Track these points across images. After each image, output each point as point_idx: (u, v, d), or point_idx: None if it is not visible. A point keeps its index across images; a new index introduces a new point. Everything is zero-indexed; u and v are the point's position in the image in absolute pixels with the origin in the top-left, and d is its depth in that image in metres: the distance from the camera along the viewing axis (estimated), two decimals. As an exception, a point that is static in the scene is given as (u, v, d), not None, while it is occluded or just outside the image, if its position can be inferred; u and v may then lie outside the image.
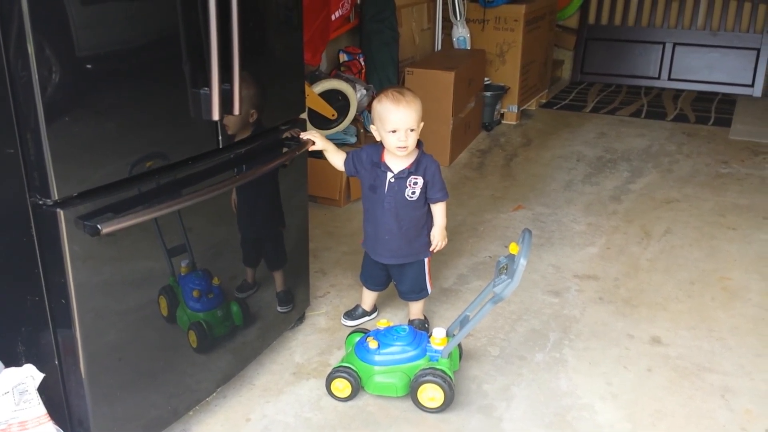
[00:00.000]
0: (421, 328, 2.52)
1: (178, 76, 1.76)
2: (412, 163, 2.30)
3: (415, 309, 2.56)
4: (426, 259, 2.46)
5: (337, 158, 2.39)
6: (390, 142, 2.25)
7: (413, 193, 2.31)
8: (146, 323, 1.85)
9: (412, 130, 2.23)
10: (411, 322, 2.55)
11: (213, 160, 1.93)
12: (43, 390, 1.69)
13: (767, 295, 2.81)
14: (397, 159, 2.30)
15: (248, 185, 2.08)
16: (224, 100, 1.83)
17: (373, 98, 2.50)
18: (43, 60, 1.42)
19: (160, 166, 1.77)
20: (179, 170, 1.82)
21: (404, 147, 2.24)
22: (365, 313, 2.63)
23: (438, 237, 2.41)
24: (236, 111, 1.88)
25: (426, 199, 2.35)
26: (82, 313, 1.64)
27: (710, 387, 2.27)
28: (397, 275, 2.49)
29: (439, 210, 2.39)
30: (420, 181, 2.31)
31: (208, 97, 1.79)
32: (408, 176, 2.30)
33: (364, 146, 2.39)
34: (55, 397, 1.72)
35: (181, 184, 1.82)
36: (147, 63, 1.68)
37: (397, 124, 2.21)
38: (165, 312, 1.90)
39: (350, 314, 2.63)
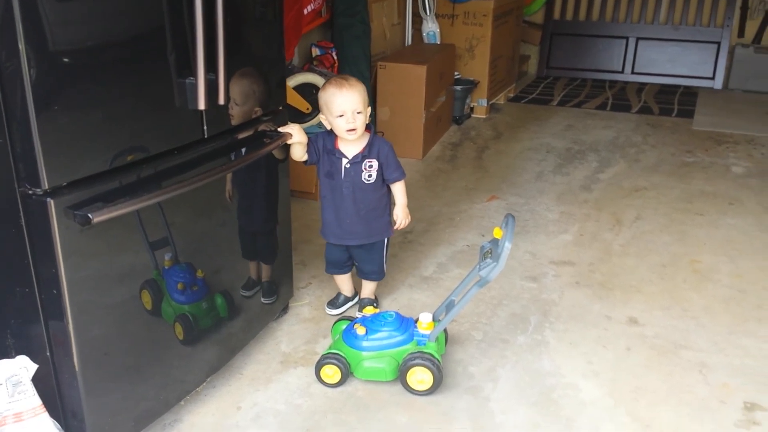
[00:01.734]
0: (369, 305, 2.59)
1: (164, 66, 1.76)
2: (365, 147, 2.37)
3: (368, 288, 2.63)
4: (386, 239, 2.53)
5: (300, 151, 2.35)
6: (339, 126, 2.30)
7: (370, 176, 2.38)
8: (133, 316, 1.85)
9: (359, 113, 2.29)
10: (361, 301, 2.62)
11: (198, 150, 1.93)
12: (34, 382, 1.68)
13: (736, 276, 2.91)
14: (350, 144, 2.35)
15: (233, 176, 2.09)
16: (209, 90, 1.84)
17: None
18: (32, 50, 1.42)
19: (147, 155, 1.77)
20: (166, 160, 1.82)
21: (353, 129, 2.29)
22: (347, 299, 2.66)
23: (401, 215, 2.47)
24: (221, 100, 1.89)
25: (383, 180, 2.41)
26: (74, 304, 1.63)
27: (687, 363, 2.34)
28: (359, 256, 2.54)
29: (398, 189, 2.45)
30: (375, 163, 2.38)
31: (194, 87, 1.80)
32: (362, 160, 2.37)
33: (318, 134, 2.41)
34: (47, 388, 1.71)
35: (168, 173, 1.82)
36: (134, 53, 1.68)
37: (343, 106, 2.27)
38: (150, 305, 1.89)
39: (333, 303, 2.65)
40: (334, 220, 2.46)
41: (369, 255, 2.53)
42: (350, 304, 2.66)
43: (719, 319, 2.59)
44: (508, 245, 2.00)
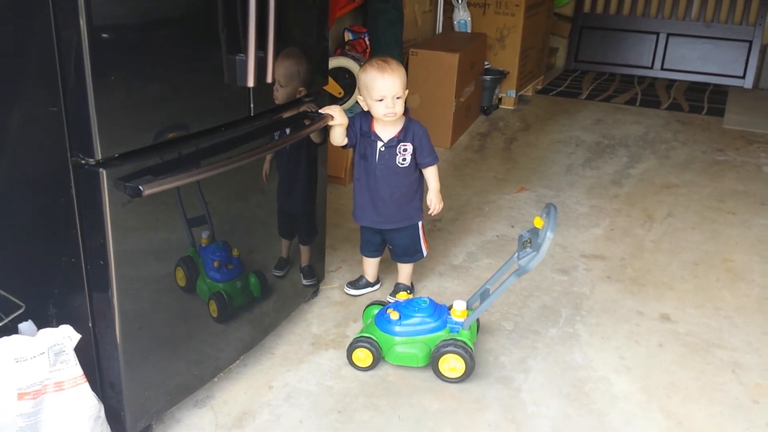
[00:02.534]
0: (406, 291, 2.59)
1: (215, 42, 1.76)
2: (401, 131, 2.36)
3: (404, 273, 2.62)
4: (420, 223, 2.52)
5: (341, 135, 2.35)
6: (378, 110, 2.30)
7: (404, 160, 2.38)
8: (170, 291, 1.86)
9: (398, 98, 2.28)
10: (396, 286, 2.62)
11: (244, 128, 1.93)
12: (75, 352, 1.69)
13: (769, 276, 2.88)
14: (386, 127, 2.35)
15: (273, 157, 2.09)
16: (258, 68, 1.83)
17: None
18: (91, 20, 1.42)
19: (195, 131, 1.77)
20: (213, 136, 1.83)
21: (393, 113, 2.29)
22: (368, 284, 2.67)
23: (435, 200, 2.46)
24: (269, 78, 1.89)
25: (416, 164, 2.40)
26: (119, 276, 1.64)
27: (720, 362, 2.32)
28: (392, 239, 2.54)
29: (431, 174, 2.44)
30: (410, 147, 2.37)
31: (244, 63, 1.79)
32: (397, 144, 2.36)
33: (355, 115, 2.40)
34: (86, 359, 1.72)
35: (214, 150, 1.83)
36: (187, 28, 1.68)
37: (384, 91, 2.27)
38: (184, 282, 1.89)
39: (354, 284, 2.66)
40: (368, 202, 2.45)
41: (402, 239, 2.52)
42: (370, 289, 2.66)
43: (753, 319, 2.57)
44: (550, 235, 1.98)
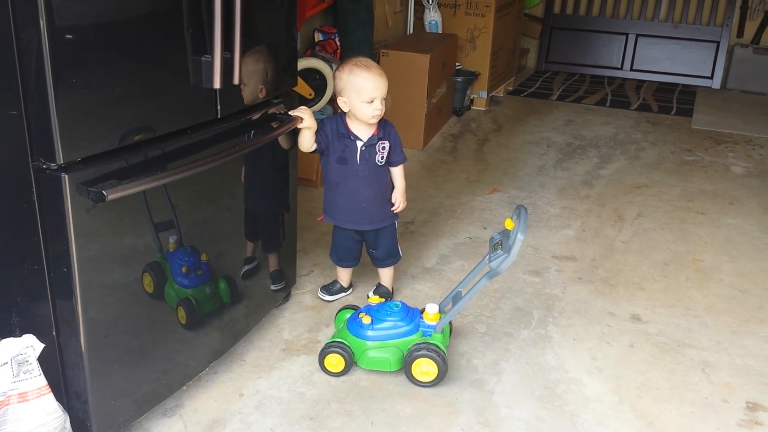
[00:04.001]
0: (387, 296, 2.58)
1: (180, 44, 1.73)
2: (378, 129, 2.36)
3: (387, 276, 2.61)
4: (395, 222, 2.53)
5: (309, 139, 2.30)
6: (366, 111, 2.28)
7: (382, 158, 2.39)
8: (137, 298, 1.82)
9: (383, 98, 2.29)
10: (378, 287, 2.61)
11: (211, 130, 1.90)
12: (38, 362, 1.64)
13: (738, 276, 2.91)
14: (362, 127, 2.34)
15: (243, 159, 2.06)
16: (224, 69, 1.80)
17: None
18: (52, 22, 1.38)
19: (161, 134, 1.73)
20: (179, 139, 1.79)
21: (380, 114, 2.29)
22: (342, 289, 2.64)
23: (400, 199, 2.47)
24: (236, 80, 1.85)
25: (388, 163, 2.42)
26: (83, 283, 1.60)
27: (690, 362, 2.34)
28: (374, 241, 2.51)
29: (399, 172, 2.45)
30: (387, 145, 2.38)
31: (210, 65, 1.76)
32: (377, 142, 2.36)
33: (324, 120, 2.37)
34: (51, 369, 1.67)
35: (181, 152, 1.79)
36: (151, 29, 1.65)
37: (375, 92, 2.26)
38: (152, 288, 1.86)
39: (328, 289, 2.63)
40: (350, 205, 2.42)
41: (383, 239, 2.51)
42: (344, 294, 2.64)
43: (722, 319, 2.59)
44: (520, 237, 1.98)
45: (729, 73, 5.99)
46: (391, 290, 2.62)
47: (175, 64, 1.74)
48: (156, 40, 1.67)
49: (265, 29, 2.09)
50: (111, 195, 1.52)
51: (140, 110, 1.67)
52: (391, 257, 2.55)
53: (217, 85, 1.78)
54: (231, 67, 1.83)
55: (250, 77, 2.01)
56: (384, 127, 2.38)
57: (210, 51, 1.75)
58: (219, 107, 1.90)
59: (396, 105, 4.21)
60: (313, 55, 3.87)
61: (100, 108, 1.55)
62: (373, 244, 2.52)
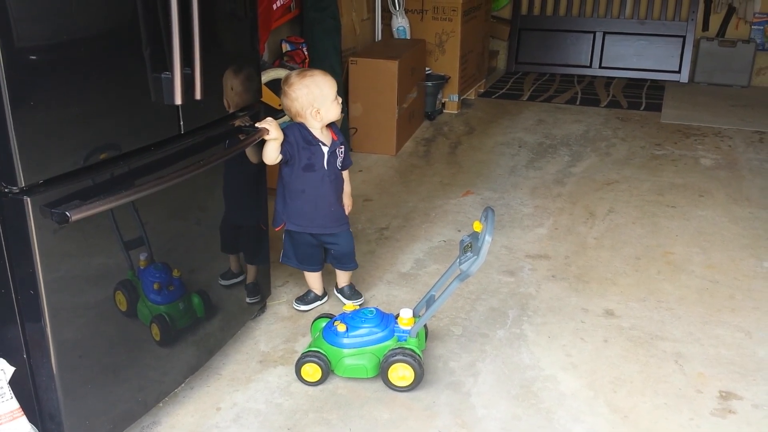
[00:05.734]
0: (354, 293, 2.63)
1: (140, 61, 1.73)
2: (335, 134, 2.45)
3: (346, 277, 2.65)
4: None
5: (275, 151, 2.31)
6: (335, 110, 2.38)
7: (341, 161, 2.47)
8: (110, 317, 1.82)
9: None
10: (341, 291, 2.65)
11: (175, 146, 1.90)
12: (9, 385, 1.64)
13: (708, 267, 2.95)
14: (323, 133, 2.41)
15: (210, 172, 2.06)
16: (185, 85, 1.80)
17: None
18: (6, 45, 1.38)
19: (124, 152, 1.73)
20: (143, 157, 1.79)
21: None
22: (317, 297, 2.65)
23: (349, 201, 2.57)
24: (198, 95, 1.86)
25: None
26: (51, 305, 1.60)
27: (663, 354, 2.37)
28: (336, 243, 2.55)
29: (347, 175, 2.55)
30: (344, 148, 2.47)
31: (170, 81, 1.77)
32: (339, 146, 2.45)
33: (286, 129, 2.37)
34: (23, 391, 1.67)
35: (145, 170, 1.79)
36: (109, 48, 1.65)
37: (335, 90, 2.37)
38: (125, 306, 1.86)
39: (303, 299, 2.64)
40: (315, 211, 2.46)
41: (344, 241, 2.55)
42: (319, 303, 2.65)
43: (693, 310, 2.63)
44: (488, 238, 2.00)
45: (696, 67, 6.08)
46: (353, 287, 2.67)
47: (136, 82, 1.74)
48: (116, 59, 1.67)
49: (227, 43, 2.11)
50: (74, 216, 1.52)
51: (102, 129, 1.67)
52: (351, 258, 2.60)
53: (178, 101, 1.78)
54: (192, 82, 1.84)
55: (213, 91, 2.01)
56: (337, 132, 2.46)
57: (170, 67, 1.76)
58: (182, 123, 1.90)
59: (367, 112, 4.24)
60: (281, 65, 3.87)
61: (61, 129, 1.55)
62: (336, 247, 2.56)
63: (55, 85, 1.52)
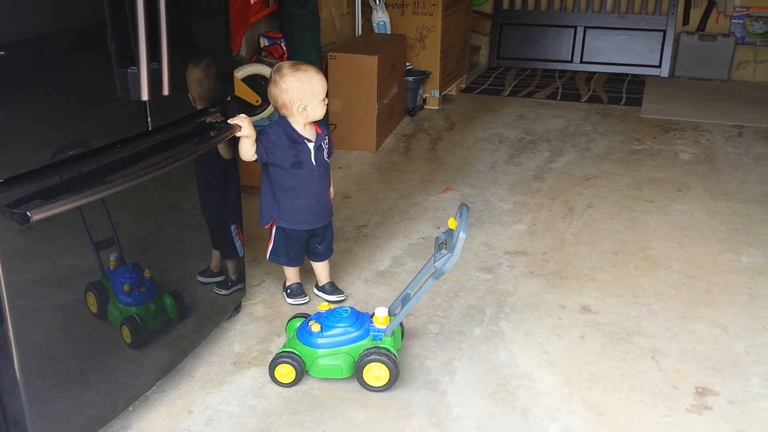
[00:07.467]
0: (335, 290, 2.63)
1: (105, 56, 1.69)
2: (319, 127, 2.42)
3: (327, 272, 2.64)
4: None
5: (250, 148, 2.29)
6: (321, 110, 2.35)
7: (327, 154, 2.46)
8: (78, 319, 1.78)
9: None
10: (323, 288, 2.64)
11: (143, 143, 1.86)
12: (-29, 391, 1.60)
13: (686, 262, 2.95)
14: (306, 129, 2.38)
15: (182, 170, 2.03)
16: (153, 80, 1.77)
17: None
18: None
19: (89, 150, 1.69)
20: (109, 154, 1.75)
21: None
22: (300, 286, 2.64)
23: (331, 189, 2.57)
24: (165, 90, 1.82)
25: None
26: (14, 308, 1.56)
27: (640, 350, 2.36)
28: (321, 237, 2.55)
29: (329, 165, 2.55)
30: (328, 139, 2.45)
31: (137, 76, 1.73)
32: (324, 139, 2.42)
33: (268, 127, 2.35)
34: (-15, 397, 1.63)
35: (111, 168, 1.75)
36: (72, 43, 1.61)
37: (325, 90, 2.34)
38: (95, 308, 1.82)
39: (294, 294, 2.62)
40: (306, 207, 2.45)
41: (329, 233, 2.58)
42: (305, 298, 2.63)
43: (670, 305, 2.62)
44: (462, 235, 1.98)
45: (676, 61, 6.09)
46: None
47: (101, 78, 1.70)
48: (80, 54, 1.63)
49: (198, 37, 2.07)
50: (36, 215, 1.48)
51: (66, 126, 1.63)
52: (329, 250, 2.61)
53: (144, 97, 1.75)
54: (159, 78, 1.80)
55: (182, 87, 1.97)
56: (321, 124, 2.43)
57: (136, 62, 1.72)
58: (150, 119, 1.86)
59: (347, 108, 4.20)
60: (259, 60, 3.83)
61: (23, 126, 1.51)
62: (320, 239, 2.55)
63: (15, 82, 1.47)
